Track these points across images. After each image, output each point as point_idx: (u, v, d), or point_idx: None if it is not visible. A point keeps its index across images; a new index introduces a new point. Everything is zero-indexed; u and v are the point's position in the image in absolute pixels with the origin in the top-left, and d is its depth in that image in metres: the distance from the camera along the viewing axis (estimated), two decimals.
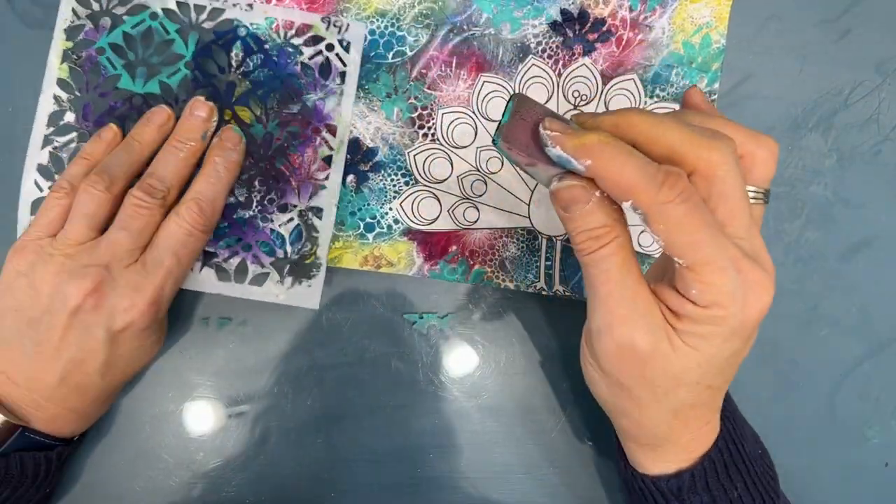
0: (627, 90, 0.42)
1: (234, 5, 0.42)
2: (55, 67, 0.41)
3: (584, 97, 0.43)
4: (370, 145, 0.42)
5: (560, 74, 0.43)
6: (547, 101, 0.43)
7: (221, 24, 0.42)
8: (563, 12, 0.43)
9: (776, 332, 0.44)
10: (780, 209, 0.44)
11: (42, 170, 0.41)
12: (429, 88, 0.43)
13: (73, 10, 0.41)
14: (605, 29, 0.43)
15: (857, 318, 0.44)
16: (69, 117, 0.41)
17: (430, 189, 0.43)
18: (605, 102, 0.42)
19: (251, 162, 0.41)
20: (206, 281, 0.41)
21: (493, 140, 0.31)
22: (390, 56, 0.42)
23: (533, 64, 0.42)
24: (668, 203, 0.27)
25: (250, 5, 0.42)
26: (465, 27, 0.43)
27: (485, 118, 0.43)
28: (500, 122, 0.30)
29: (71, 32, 0.41)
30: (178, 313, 0.42)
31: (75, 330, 0.35)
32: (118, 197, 0.37)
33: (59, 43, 0.41)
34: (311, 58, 0.42)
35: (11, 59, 0.42)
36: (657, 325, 0.29)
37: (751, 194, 0.32)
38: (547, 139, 0.29)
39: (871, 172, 0.44)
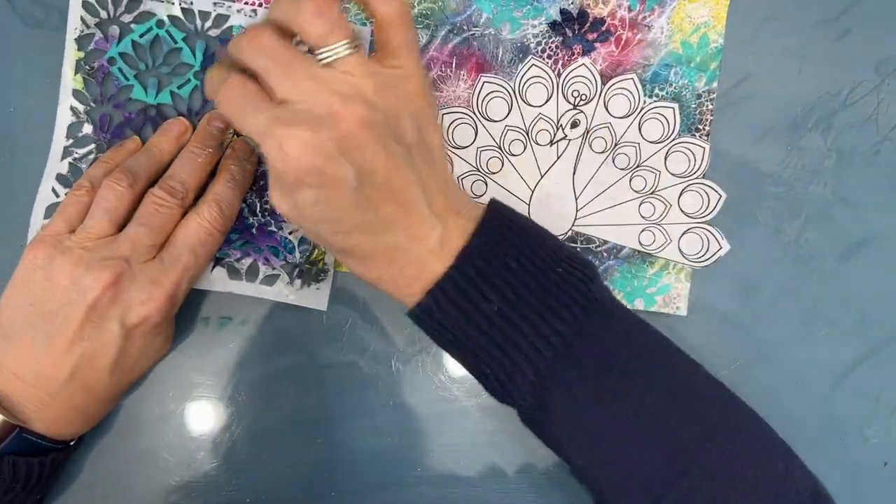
0: (626, 90, 0.42)
1: (239, 11, 0.42)
2: (69, 78, 0.42)
3: (583, 97, 0.43)
4: None
5: (560, 74, 0.43)
6: (547, 101, 0.43)
7: (226, 31, 0.42)
8: (563, 12, 0.43)
9: (776, 332, 0.44)
10: (780, 209, 0.44)
11: (61, 178, 0.42)
12: None
13: (82, 19, 0.41)
14: (604, 29, 0.43)
15: (856, 318, 0.44)
16: (87, 129, 0.42)
17: None
18: (604, 102, 0.43)
19: (262, 171, 0.42)
20: (217, 280, 0.42)
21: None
22: None
23: (532, 64, 0.42)
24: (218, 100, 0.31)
25: (255, 11, 0.42)
26: (464, 27, 0.43)
27: (485, 118, 0.43)
28: None
29: (81, 42, 0.42)
30: (179, 313, 0.42)
31: (91, 323, 0.35)
32: (138, 197, 0.38)
33: (71, 53, 0.42)
34: None
35: (11, 59, 0.43)
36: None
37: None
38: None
39: (871, 172, 0.44)
